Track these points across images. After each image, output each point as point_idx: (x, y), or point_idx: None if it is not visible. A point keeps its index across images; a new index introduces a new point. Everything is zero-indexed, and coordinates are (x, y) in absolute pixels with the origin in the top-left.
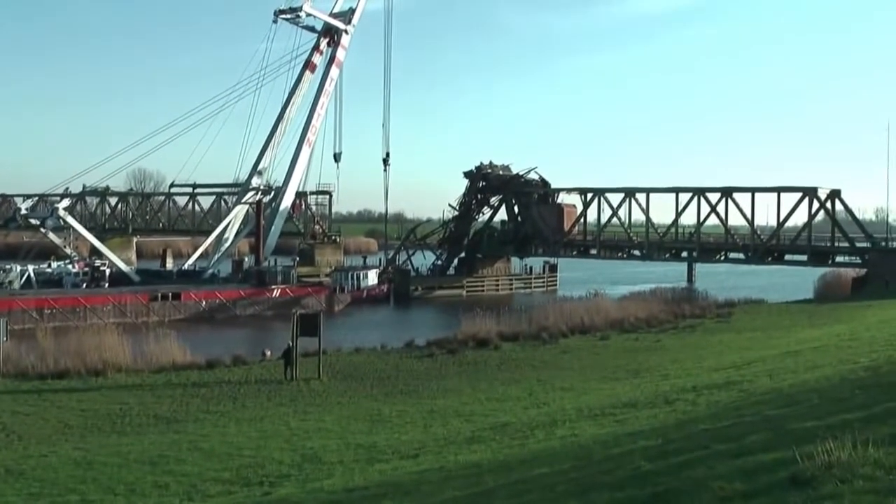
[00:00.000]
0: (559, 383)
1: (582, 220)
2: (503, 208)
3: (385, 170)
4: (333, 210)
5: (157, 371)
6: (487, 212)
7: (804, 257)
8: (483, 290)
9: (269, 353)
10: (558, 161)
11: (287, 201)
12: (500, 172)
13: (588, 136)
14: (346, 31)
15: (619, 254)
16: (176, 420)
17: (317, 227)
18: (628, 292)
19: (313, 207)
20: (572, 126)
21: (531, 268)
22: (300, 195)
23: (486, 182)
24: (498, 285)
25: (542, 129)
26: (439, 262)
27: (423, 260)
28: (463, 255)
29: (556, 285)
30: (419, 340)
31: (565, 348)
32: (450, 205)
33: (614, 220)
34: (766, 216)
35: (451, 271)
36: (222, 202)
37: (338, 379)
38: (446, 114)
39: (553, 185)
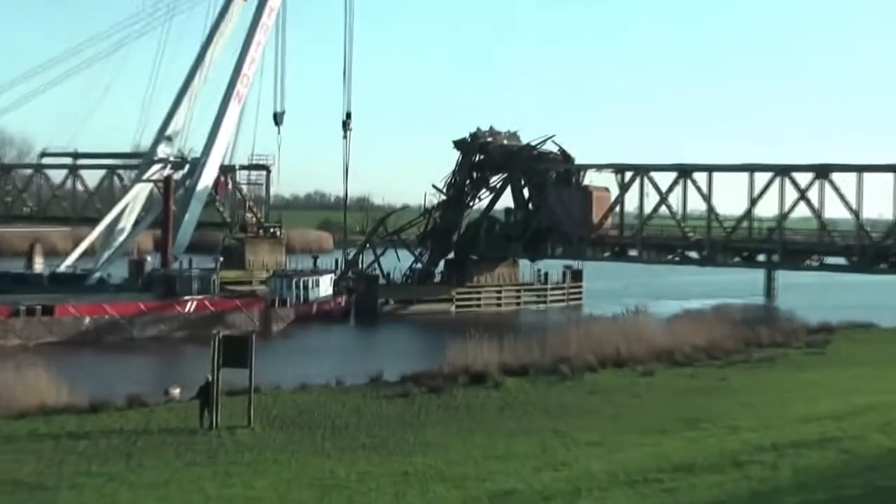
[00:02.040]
0: (584, 436)
1: (617, 208)
2: (508, 191)
3: (345, 136)
4: (273, 191)
5: (17, 417)
6: (486, 196)
7: None
8: (479, 305)
9: (177, 390)
10: (584, 128)
11: (207, 178)
12: (505, 142)
13: (625, 94)
14: None
15: (670, 256)
16: (43, 487)
17: (249, 214)
18: (681, 310)
19: (244, 188)
20: (603, 79)
21: (546, 274)
22: (226, 170)
23: (484, 155)
24: (500, 298)
25: (561, 82)
26: (419, 266)
27: (398, 262)
28: (452, 255)
29: (580, 299)
30: (390, 374)
31: (593, 387)
32: (434, 186)
33: (662, 209)
34: (878, 205)
35: (437, 278)
36: (115, 178)
37: (276, 428)
38: (431, 61)
39: (578, 161)
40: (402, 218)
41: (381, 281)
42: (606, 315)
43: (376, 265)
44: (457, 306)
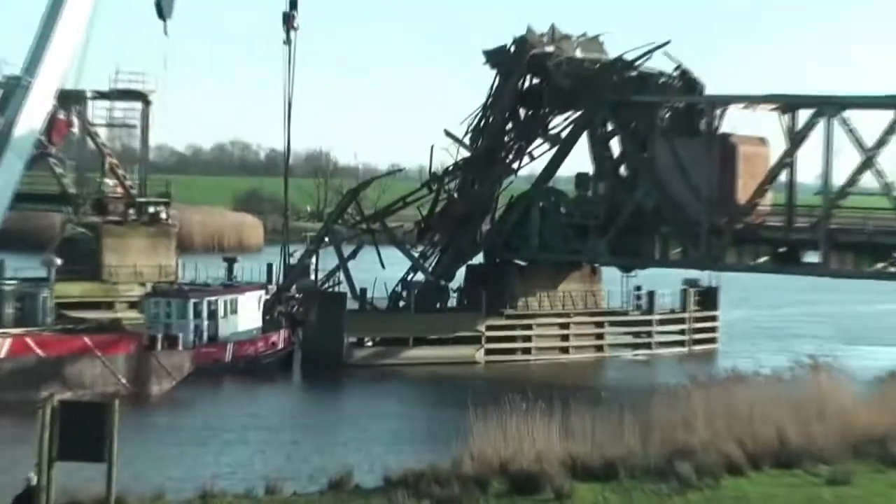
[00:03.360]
0: None
1: (783, 176)
2: (582, 144)
3: (287, 40)
4: (155, 141)
5: None
6: (542, 152)
7: None
8: (529, 351)
9: None
10: (715, 41)
11: (34, 115)
12: (578, 54)
13: None
14: None
15: (880, 265)
16: None
17: (111, 181)
18: None
19: (103, 133)
20: None
21: (651, 296)
22: (69, 101)
23: (541, 77)
24: (567, 338)
25: None
26: (420, 278)
27: (381, 270)
28: (479, 259)
29: (712, 341)
30: (365, 474)
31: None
32: (449, 134)
33: (867, 179)
34: None
35: (451, 300)
36: None
37: None
38: None
39: (710, 91)
40: (389, 191)
41: (351, 304)
42: (759, 371)
43: (342, 275)
44: (488, 351)
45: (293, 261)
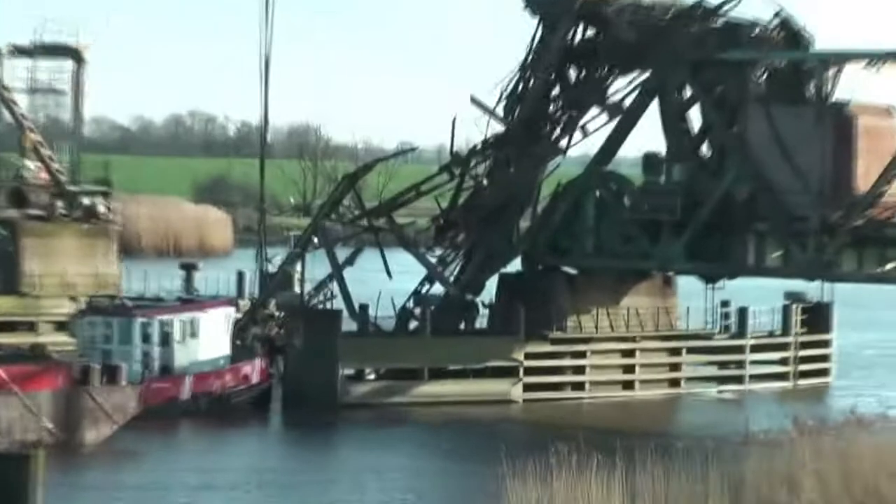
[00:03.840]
0: None
1: None
2: (651, 114)
3: None
4: (92, 112)
5: None
6: (600, 126)
7: None
8: (583, 386)
9: None
10: None
11: None
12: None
13: None
14: None
15: None
16: None
17: (33, 164)
18: None
19: (21, 103)
20: None
21: (742, 313)
22: None
23: (598, 27)
24: (633, 369)
25: None
26: (438, 290)
27: (389, 282)
28: (517, 263)
29: (825, 373)
30: None
31: None
32: (476, 102)
33: None
34: None
35: (478, 320)
36: None
37: None
38: None
39: (820, 46)
40: (397, 177)
41: (348, 324)
42: (886, 413)
43: (336, 286)
44: (527, 387)
45: (272, 268)
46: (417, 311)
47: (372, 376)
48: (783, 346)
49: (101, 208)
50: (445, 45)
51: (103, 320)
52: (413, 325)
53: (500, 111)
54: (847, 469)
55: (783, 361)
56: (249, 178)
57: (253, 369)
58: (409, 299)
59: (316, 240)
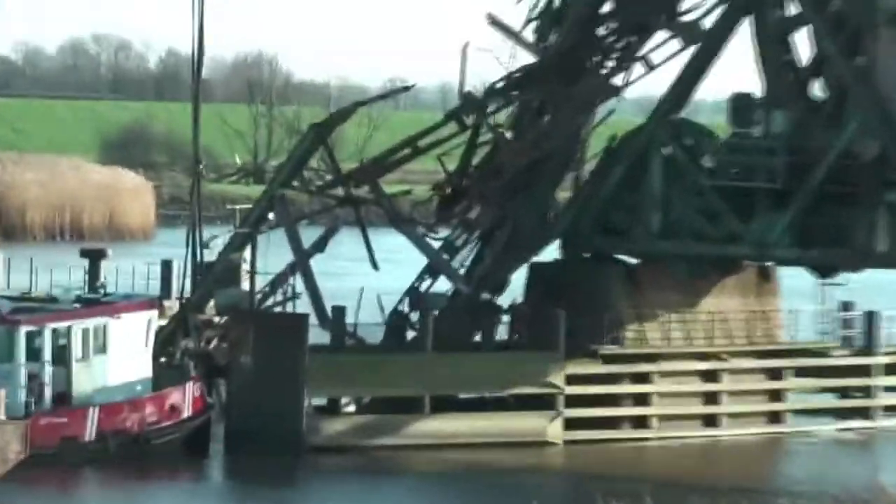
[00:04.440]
0: None
1: None
2: (744, 39)
3: None
4: None
5: None
6: (669, 57)
7: None
8: (646, 422)
9: None
10: None
11: None
12: None
13: None
14: None
15: None
16: None
17: None
18: None
19: None
20: None
21: (871, 320)
22: None
23: None
24: (716, 399)
25: None
26: (442, 289)
27: (375, 275)
28: (557, 247)
29: None
30: None
31: None
32: (493, 22)
33: None
34: None
35: (499, 328)
36: None
37: None
38: None
39: None
40: (386, 128)
41: (319, 335)
42: None
43: (300, 281)
44: (570, 423)
45: (210, 256)
46: (414, 316)
47: (351, 408)
48: None
49: None
50: None
51: None
52: (409, 335)
53: (528, 35)
54: None
55: None
56: (177, 129)
57: (183, 398)
58: (402, 300)
59: (272, 216)
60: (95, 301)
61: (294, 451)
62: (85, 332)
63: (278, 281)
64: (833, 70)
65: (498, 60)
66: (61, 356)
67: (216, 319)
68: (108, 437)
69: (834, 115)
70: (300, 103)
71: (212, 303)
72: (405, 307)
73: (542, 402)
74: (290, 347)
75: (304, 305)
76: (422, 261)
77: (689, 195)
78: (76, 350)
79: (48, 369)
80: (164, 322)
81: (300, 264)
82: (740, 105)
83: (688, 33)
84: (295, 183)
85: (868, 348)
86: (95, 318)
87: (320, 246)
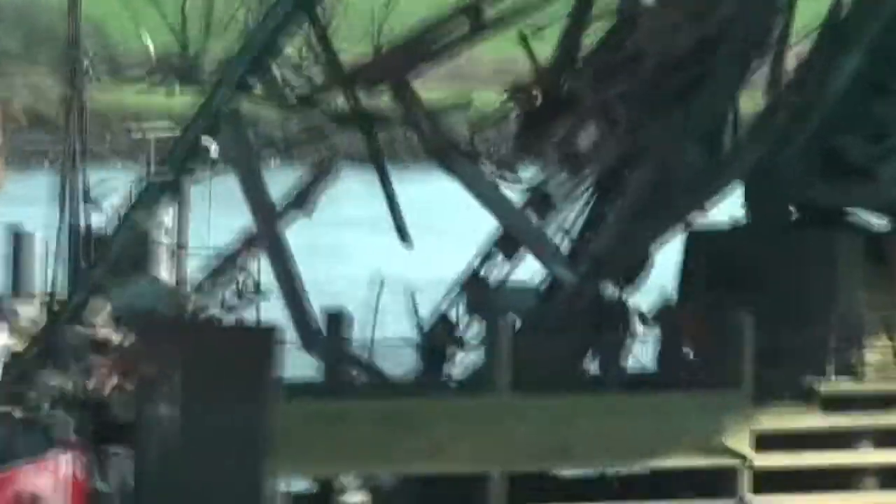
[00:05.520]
0: None
1: None
2: None
3: None
4: None
5: None
6: None
7: None
8: None
9: None
10: None
11: None
12: None
13: None
14: None
15: None
16: None
17: None
18: None
19: None
20: None
21: None
22: None
23: None
24: None
25: None
26: (526, 280)
27: (399, 255)
28: (745, 201)
29: None
30: None
31: None
32: None
33: None
34: None
35: (635, 346)
36: None
37: None
38: None
39: None
40: None
41: (298, 361)
42: None
43: (263, 264)
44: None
45: (101, 220)
46: (478, 325)
47: (358, 497)
48: None
49: None
50: None
51: None
52: (463, 363)
53: None
54: None
55: None
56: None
57: (50, 482)
58: (451, 299)
59: (214, 148)
60: None
61: None
62: None
63: (226, 266)
64: None
65: None
66: None
67: (113, 337)
68: None
69: None
70: None
71: (106, 306)
72: (457, 311)
73: (713, 482)
74: (249, 387)
75: (273, 309)
76: (488, 226)
77: None
78: None
79: None
80: (14, 342)
81: (266, 235)
82: None
83: None
84: (257, 88)
85: None
86: None
87: (302, 202)
